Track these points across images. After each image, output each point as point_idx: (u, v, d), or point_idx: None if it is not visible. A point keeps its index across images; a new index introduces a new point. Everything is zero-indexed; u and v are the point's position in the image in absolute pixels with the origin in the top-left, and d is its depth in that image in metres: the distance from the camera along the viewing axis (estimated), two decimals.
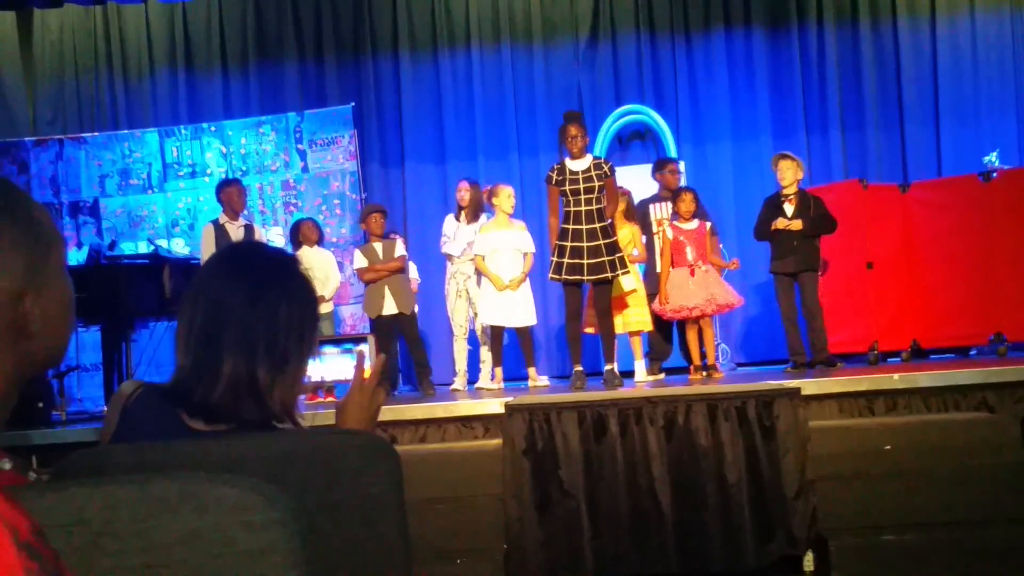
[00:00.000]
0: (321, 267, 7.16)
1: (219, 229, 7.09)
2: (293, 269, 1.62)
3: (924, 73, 9.48)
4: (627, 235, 6.68)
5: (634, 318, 6.71)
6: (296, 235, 7.44)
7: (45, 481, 1.18)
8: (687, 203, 6.63)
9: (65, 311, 1.11)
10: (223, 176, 8.34)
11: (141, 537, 0.97)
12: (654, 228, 7.11)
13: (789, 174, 6.61)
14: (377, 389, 1.75)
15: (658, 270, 6.96)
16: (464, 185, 7.27)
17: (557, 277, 6.06)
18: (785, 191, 6.63)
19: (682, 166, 8.85)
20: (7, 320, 1.02)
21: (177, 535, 0.97)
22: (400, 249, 6.96)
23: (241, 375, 1.51)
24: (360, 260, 6.92)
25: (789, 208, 6.59)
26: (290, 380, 1.56)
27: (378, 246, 6.90)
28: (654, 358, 7.06)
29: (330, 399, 6.03)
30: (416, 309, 7.23)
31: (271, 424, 1.55)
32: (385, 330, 6.79)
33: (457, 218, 7.23)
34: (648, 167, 8.57)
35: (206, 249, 7.07)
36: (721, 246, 7.40)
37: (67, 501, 0.97)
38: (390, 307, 6.74)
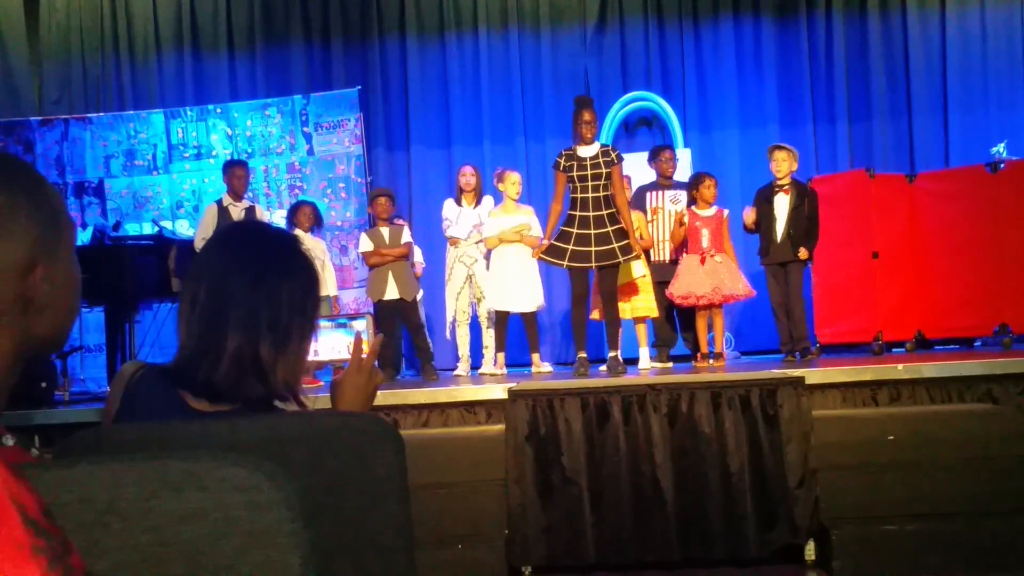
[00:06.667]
0: (318, 252, 7.12)
1: (222, 210, 7.08)
2: (294, 247, 1.62)
3: (933, 63, 9.44)
4: (634, 222, 6.66)
5: (641, 304, 6.71)
6: (292, 218, 7.27)
7: (49, 460, 1.18)
8: (710, 189, 6.63)
9: (72, 291, 1.13)
10: (228, 158, 8.32)
11: (145, 515, 0.96)
12: (649, 216, 7.10)
13: (784, 165, 6.58)
14: (374, 370, 1.75)
15: (657, 257, 6.96)
16: (469, 169, 7.27)
17: (559, 261, 6.02)
18: (779, 182, 6.60)
19: (688, 154, 8.85)
20: (17, 291, 1.03)
21: (181, 514, 0.97)
22: (406, 235, 6.96)
23: (245, 353, 1.51)
24: (366, 244, 6.93)
25: (783, 198, 6.56)
26: (293, 357, 1.56)
27: (385, 231, 6.90)
28: (661, 346, 7.07)
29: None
30: (420, 296, 7.23)
31: (274, 403, 1.55)
32: (387, 315, 6.80)
33: (458, 202, 7.23)
34: None
35: (204, 228, 7.03)
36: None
37: (72, 479, 0.97)
38: (392, 292, 6.76)
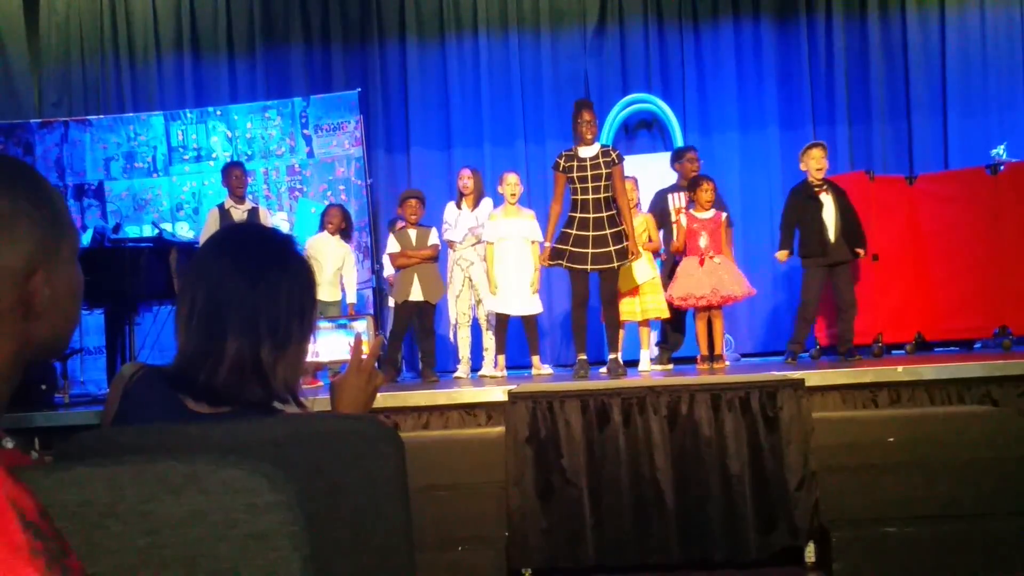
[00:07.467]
0: (336, 257, 7.14)
1: (224, 213, 7.09)
2: (291, 249, 1.62)
3: (932, 65, 9.45)
4: (641, 224, 6.67)
5: (651, 305, 6.71)
6: (321, 221, 7.34)
7: (49, 462, 1.18)
8: (708, 192, 6.62)
9: (73, 298, 1.12)
10: (228, 160, 8.31)
11: (145, 518, 0.96)
12: (672, 217, 7.06)
13: (824, 163, 6.53)
14: (374, 371, 1.74)
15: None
16: (467, 172, 7.26)
17: (558, 262, 6.01)
18: (816, 181, 6.54)
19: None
20: (16, 296, 1.02)
21: (181, 516, 0.97)
22: (434, 238, 6.96)
23: (244, 356, 1.50)
24: (393, 245, 6.97)
25: (827, 198, 6.49)
26: (292, 359, 1.56)
27: (412, 232, 6.93)
28: (666, 348, 7.06)
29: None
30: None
31: (273, 406, 1.55)
32: (404, 316, 6.82)
33: (458, 205, 7.23)
34: (654, 156, 8.56)
35: (207, 231, 7.07)
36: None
37: (71, 482, 0.97)
38: (416, 294, 6.78)
